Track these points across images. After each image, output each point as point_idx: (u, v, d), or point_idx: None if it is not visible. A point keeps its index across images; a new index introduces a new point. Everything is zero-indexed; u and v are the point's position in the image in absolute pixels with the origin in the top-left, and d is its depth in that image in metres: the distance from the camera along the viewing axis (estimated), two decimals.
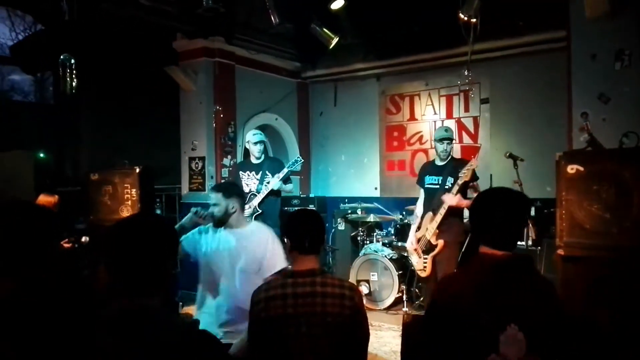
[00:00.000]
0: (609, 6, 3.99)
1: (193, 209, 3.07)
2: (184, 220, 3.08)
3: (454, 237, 4.32)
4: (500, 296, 1.65)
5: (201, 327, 1.50)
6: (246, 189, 5.01)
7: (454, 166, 4.26)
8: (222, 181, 2.91)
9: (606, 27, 4.13)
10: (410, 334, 2.43)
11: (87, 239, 4.63)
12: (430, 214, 4.23)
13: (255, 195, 4.89)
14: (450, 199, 4.03)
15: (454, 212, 4.16)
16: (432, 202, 4.25)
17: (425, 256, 4.26)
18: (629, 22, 4.07)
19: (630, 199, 2.92)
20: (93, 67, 5.70)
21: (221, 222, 2.85)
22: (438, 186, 4.25)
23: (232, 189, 2.96)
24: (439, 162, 4.38)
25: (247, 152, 6.46)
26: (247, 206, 4.93)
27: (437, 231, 4.16)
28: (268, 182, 4.83)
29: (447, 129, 4.44)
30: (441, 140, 4.31)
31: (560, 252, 3.13)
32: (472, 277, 1.72)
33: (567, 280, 3.10)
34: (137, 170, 4.95)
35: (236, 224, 2.87)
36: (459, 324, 1.65)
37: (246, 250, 2.80)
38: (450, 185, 4.16)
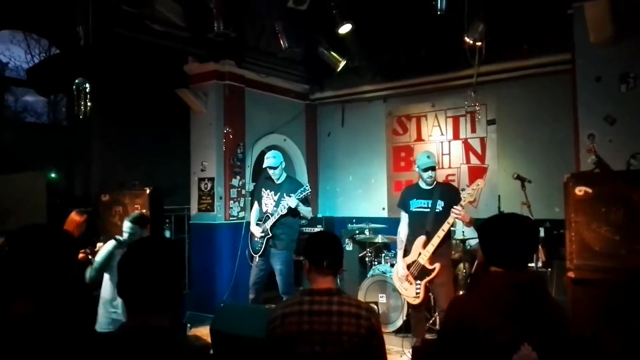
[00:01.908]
0: (612, 31, 4.05)
1: (116, 238, 3.75)
2: (111, 246, 3.75)
3: (449, 260, 4.33)
4: (513, 316, 1.67)
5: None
6: (264, 208, 4.97)
7: (441, 189, 4.25)
8: (136, 213, 3.84)
9: (610, 51, 4.19)
10: (421, 358, 2.43)
11: (102, 244, 4.70)
12: (422, 238, 4.13)
13: (269, 218, 4.82)
14: (464, 215, 3.97)
15: (446, 235, 4.12)
16: (424, 225, 4.17)
17: (419, 282, 4.16)
18: (634, 45, 4.12)
19: (638, 221, 2.93)
20: (105, 89, 5.82)
21: None
22: (428, 209, 4.18)
23: (145, 221, 3.70)
24: (425, 186, 4.29)
25: (256, 172, 6.53)
26: (260, 228, 4.89)
27: (431, 255, 4.09)
28: (284, 206, 4.75)
29: (429, 155, 4.30)
30: (425, 169, 4.22)
31: (571, 274, 3.14)
32: (485, 297, 1.75)
33: (577, 303, 3.09)
34: (147, 191, 5.02)
35: None
36: (473, 344, 1.67)
37: None
38: (441, 209, 4.13)
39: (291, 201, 4.68)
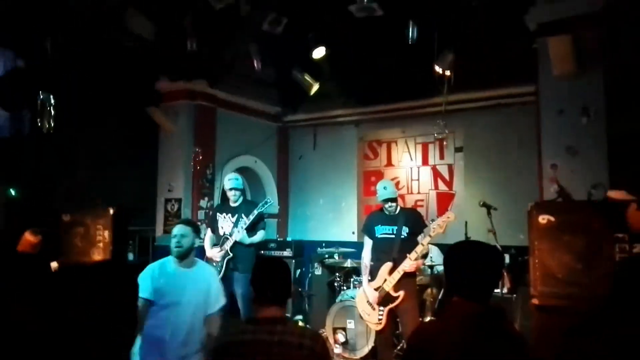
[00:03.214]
0: (575, 65, 4.23)
1: None
2: None
3: (414, 287, 4.30)
4: (473, 346, 1.66)
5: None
6: (221, 232, 4.94)
7: (406, 215, 4.25)
8: (189, 218, 3.44)
9: (573, 84, 4.36)
10: None
11: (57, 264, 4.49)
12: (389, 264, 4.09)
13: (228, 239, 4.82)
14: (410, 266, 4.01)
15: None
16: (390, 252, 4.14)
17: (382, 308, 4.12)
18: (594, 79, 4.31)
19: (600, 250, 3.00)
20: (71, 104, 5.68)
21: (185, 254, 3.08)
22: (393, 236, 4.17)
23: (199, 227, 3.32)
24: (389, 213, 4.27)
25: (225, 194, 6.44)
26: (219, 249, 4.85)
27: (396, 283, 4.05)
28: (242, 227, 4.77)
29: (385, 187, 4.26)
30: (384, 201, 4.21)
31: (535, 301, 3.17)
32: (447, 325, 1.74)
33: (541, 329, 3.12)
34: (111, 211, 4.85)
35: (190, 260, 3.14)
36: None
37: (196, 285, 3.07)
38: (406, 235, 4.14)
39: (253, 214, 4.76)
